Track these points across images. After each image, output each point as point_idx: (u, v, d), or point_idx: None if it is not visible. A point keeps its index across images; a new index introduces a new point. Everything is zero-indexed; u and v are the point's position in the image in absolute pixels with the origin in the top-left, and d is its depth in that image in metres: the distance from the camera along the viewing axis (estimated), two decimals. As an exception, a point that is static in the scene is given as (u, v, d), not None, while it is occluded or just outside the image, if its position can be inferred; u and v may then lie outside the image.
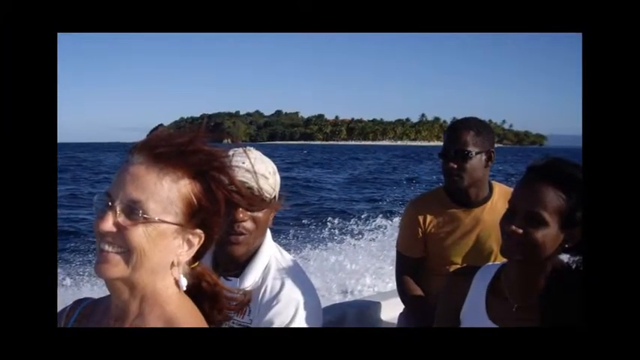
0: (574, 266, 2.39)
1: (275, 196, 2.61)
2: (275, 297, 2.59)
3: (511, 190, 2.65)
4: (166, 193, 1.56)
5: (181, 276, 1.68)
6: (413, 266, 3.91)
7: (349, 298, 9.50)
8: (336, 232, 15.43)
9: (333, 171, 58.57)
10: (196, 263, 1.74)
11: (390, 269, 8.77)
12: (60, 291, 10.30)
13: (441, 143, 3.81)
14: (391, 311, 4.68)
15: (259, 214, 2.56)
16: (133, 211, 1.54)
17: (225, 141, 2.17)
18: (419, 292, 3.83)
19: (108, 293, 1.70)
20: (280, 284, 2.62)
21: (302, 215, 19.76)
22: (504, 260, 2.58)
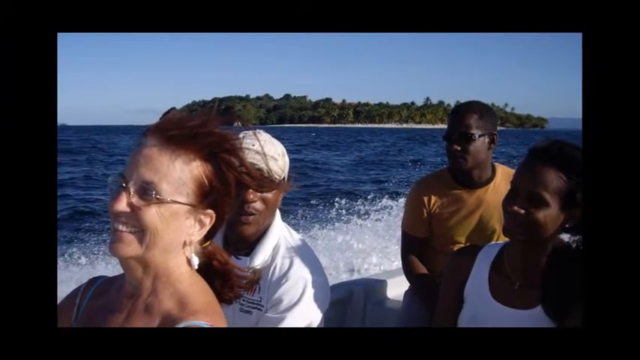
0: (574, 245, 2.40)
1: (284, 178, 2.62)
2: (284, 275, 2.60)
3: (513, 171, 2.66)
4: (178, 174, 1.57)
5: (193, 255, 1.69)
6: (418, 245, 3.91)
7: (356, 276, 9.52)
8: (344, 212, 15.47)
9: (340, 153, 58.53)
10: (208, 242, 1.75)
11: (396, 248, 8.80)
12: (75, 269, 10.39)
13: (445, 126, 3.81)
14: (397, 289, 4.69)
15: (269, 195, 2.56)
16: (146, 191, 1.54)
17: (236, 124, 2.17)
18: (424, 270, 3.84)
19: (122, 272, 1.71)
20: (289, 263, 2.63)
21: (310, 196, 19.78)
22: (507, 240, 2.58)
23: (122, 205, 1.54)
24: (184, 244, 1.66)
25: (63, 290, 1.86)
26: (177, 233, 1.62)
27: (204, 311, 1.60)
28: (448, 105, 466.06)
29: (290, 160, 2.68)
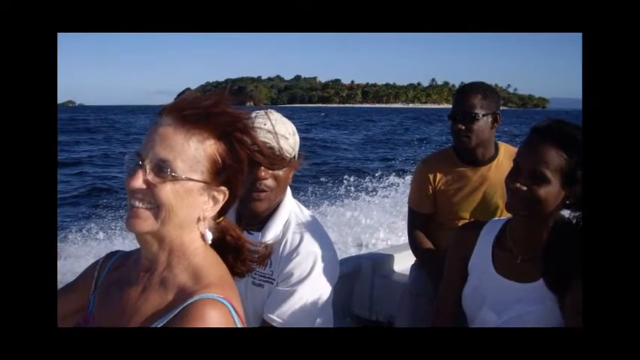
0: (574, 221, 2.40)
1: (294, 156, 2.62)
2: (295, 250, 2.61)
3: (516, 149, 2.65)
4: (193, 152, 1.57)
5: (207, 230, 1.69)
6: (424, 221, 3.92)
7: (364, 250, 9.53)
8: (352, 189, 15.43)
9: (349, 132, 58.41)
10: (221, 218, 1.75)
11: (403, 224, 8.79)
12: (93, 244, 10.47)
13: (449, 106, 3.80)
14: (403, 263, 4.71)
15: (280, 173, 2.56)
16: (162, 169, 1.54)
17: (248, 104, 2.17)
18: (429, 245, 3.85)
19: (138, 246, 1.72)
20: (300, 238, 2.64)
21: (320, 173, 19.75)
22: (509, 216, 2.58)
23: (138, 182, 1.55)
24: (198, 219, 1.66)
25: (81, 264, 1.87)
26: (192, 209, 1.62)
27: (218, 284, 1.60)
28: (453, 86, 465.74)
29: (300, 138, 2.68)
